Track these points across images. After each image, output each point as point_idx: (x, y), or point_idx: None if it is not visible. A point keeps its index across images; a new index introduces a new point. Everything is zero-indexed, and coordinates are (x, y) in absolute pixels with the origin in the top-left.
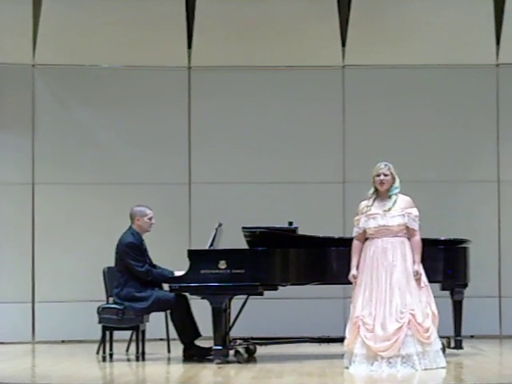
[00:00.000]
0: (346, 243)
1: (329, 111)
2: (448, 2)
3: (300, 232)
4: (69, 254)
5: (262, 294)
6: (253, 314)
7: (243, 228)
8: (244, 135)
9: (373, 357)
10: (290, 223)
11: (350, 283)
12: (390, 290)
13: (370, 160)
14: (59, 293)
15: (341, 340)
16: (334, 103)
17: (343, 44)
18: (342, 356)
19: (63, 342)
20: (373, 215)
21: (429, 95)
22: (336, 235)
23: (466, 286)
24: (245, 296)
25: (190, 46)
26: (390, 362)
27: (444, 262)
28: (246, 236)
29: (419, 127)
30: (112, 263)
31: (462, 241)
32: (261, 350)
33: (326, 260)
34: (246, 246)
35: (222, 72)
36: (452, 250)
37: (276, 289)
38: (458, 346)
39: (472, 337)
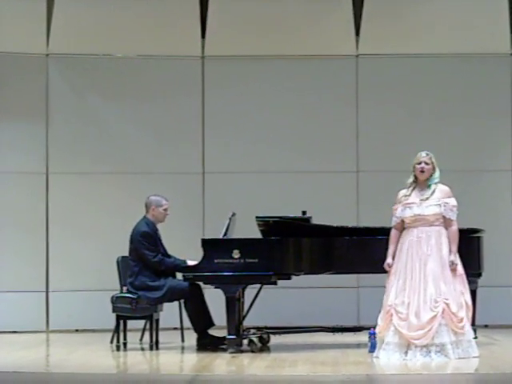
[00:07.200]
0: (359, 233)
1: (342, 100)
2: None
3: (313, 221)
4: (83, 243)
5: (275, 283)
6: (266, 304)
7: (257, 217)
8: (257, 125)
9: (405, 345)
10: (304, 212)
11: (363, 273)
12: (424, 279)
13: (383, 150)
14: (73, 282)
15: (354, 329)
16: (348, 92)
17: (357, 33)
18: (356, 345)
19: (77, 331)
20: (409, 204)
21: (442, 85)
22: (349, 225)
23: (479, 275)
24: (258, 285)
25: (203, 35)
26: (424, 351)
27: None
28: (259, 225)
29: (433, 117)
30: (126, 252)
31: (476, 230)
32: (274, 340)
33: (339, 249)
34: (259, 236)
35: (236, 61)
36: (465, 240)
37: (289, 278)
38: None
39: (486, 326)
